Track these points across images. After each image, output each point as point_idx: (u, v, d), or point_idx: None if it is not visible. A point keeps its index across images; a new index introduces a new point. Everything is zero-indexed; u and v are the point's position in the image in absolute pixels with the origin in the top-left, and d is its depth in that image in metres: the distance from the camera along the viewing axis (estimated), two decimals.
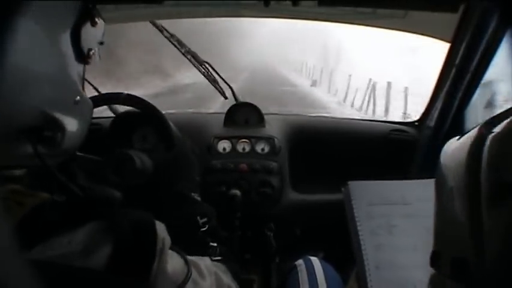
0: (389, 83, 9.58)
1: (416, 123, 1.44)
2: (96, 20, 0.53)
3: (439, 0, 0.68)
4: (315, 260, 0.89)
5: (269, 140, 1.37)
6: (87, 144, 0.60)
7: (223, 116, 1.45)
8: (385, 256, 0.73)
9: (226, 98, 1.49)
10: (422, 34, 1.24)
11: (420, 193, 0.77)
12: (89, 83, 1.09)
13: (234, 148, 1.36)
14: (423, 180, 0.77)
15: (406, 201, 0.79)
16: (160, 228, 0.52)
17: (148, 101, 0.98)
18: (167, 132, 0.98)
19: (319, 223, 1.40)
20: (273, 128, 1.43)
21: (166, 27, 1.36)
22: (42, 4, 0.44)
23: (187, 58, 1.40)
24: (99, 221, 0.50)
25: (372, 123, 1.59)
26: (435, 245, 0.44)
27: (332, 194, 1.27)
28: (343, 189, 0.83)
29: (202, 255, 0.67)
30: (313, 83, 14.97)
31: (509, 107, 0.41)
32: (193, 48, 1.40)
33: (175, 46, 1.37)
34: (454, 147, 0.41)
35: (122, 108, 1.13)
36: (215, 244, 0.78)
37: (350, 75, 12.58)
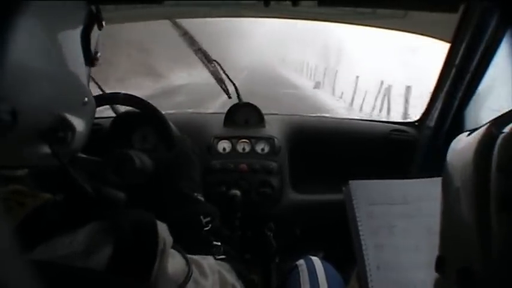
0: (408, 87, 8.43)
1: (416, 123, 1.45)
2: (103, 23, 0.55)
3: (439, 0, 0.68)
4: (316, 259, 0.89)
5: (269, 140, 1.37)
6: (87, 144, 0.60)
7: (223, 116, 1.45)
8: (386, 256, 0.72)
9: (230, 97, 1.49)
10: (422, 34, 1.24)
11: (421, 192, 0.76)
12: (96, 83, 1.09)
13: (234, 148, 1.36)
14: (424, 179, 0.77)
15: (408, 200, 0.78)
16: (162, 228, 0.52)
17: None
18: (167, 132, 0.98)
19: (319, 223, 1.40)
20: (273, 128, 1.43)
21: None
22: (55, 11, 0.47)
23: (198, 56, 1.40)
24: (100, 221, 0.50)
25: (372, 123, 1.59)
26: (440, 249, 0.43)
27: (332, 194, 1.27)
28: (344, 188, 0.83)
29: (206, 254, 0.67)
30: (316, 85, 14.06)
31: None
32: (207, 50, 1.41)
33: (188, 43, 1.37)
34: (463, 145, 0.40)
35: (122, 108, 1.13)
36: (219, 243, 0.78)
37: (357, 77, 11.44)
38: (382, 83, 10.06)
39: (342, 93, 11.93)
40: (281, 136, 1.40)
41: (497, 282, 0.34)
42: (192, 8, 1.36)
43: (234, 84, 1.49)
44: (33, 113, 0.45)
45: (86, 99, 0.54)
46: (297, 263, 0.90)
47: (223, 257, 0.75)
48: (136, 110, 1.06)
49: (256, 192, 1.29)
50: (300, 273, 0.85)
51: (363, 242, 0.74)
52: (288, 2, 0.67)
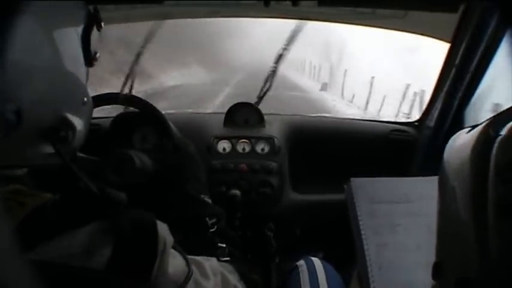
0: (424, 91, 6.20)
1: (416, 123, 1.44)
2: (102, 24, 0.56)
3: (439, 0, 0.68)
4: (316, 260, 0.89)
5: (269, 140, 1.37)
6: (87, 144, 0.60)
7: (223, 116, 1.45)
8: (388, 256, 0.72)
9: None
10: (422, 34, 1.24)
11: (424, 191, 0.75)
12: None
13: (234, 148, 1.36)
14: (427, 178, 0.75)
15: (409, 199, 0.77)
16: (162, 228, 0.52)
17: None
18: (167, 133, 0.98)
19: (319, 223, 1.40)
20: (273, 128, 1.43)
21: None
22: (55, 11, 0.48)
23: None
24: (100, 221, 0.50)
25: (372, 123, 1.59)
26: (437, 253, 0.43)
27: (332, 194, 1.27)
28: (345, 186, 0.82)
29: (211, 255, 0.67)
30: (323, 87, 12.39)
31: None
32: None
33: None
34: (461, 143, 0.40)
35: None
36: (223, 245, 0.78)
37: (373, 77, 9.53)
38: (408, 86, 8.40)
39: (353, 96, 10.17)
40: (281, 136, 1.40)
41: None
42: (192, 8, 1.36)
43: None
44: (36, 112, 0.46)
45: (85, 99, 0.55)
46: (297, 263, 0.90)
47: (227, 258, 0.75)
48: (136, 110, 1.06)
49: (256, 192, 1.29)
50: (300, 274, 0.85)
51: (364, 242, 0.74)
52: (288, 2, 0.67)
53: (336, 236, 1.09)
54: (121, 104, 1.08)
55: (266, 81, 1.49)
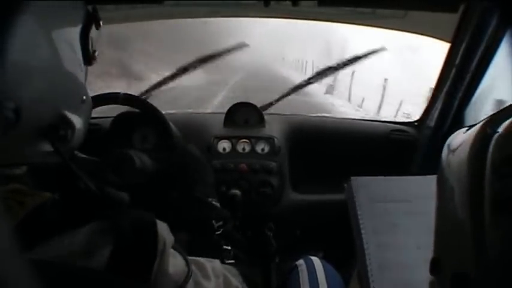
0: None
1: (416, 123, 1.44)
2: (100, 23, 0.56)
3: (439, 0, 0.68)
4: (315, 259, 0.89)
5: (269, 140, 1.37)
6: (87, 144, 0.60)
7: (223, 116, 1.45)
8: (388, 256, 0.71)
9: None
10: (422, 34, 1.24)
11: (425, 190, 0.74)
12: None
13: (234, 148, 1.36)
14: (427, 177, 0.75)
15: (410, 198, 0.77)
16: (162, 227, 0.52)
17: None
18: (167, 133, 0.98)
19: (319, 223, 1.40)
20: (273, 128, 1.43)
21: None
22: (54, 10, 0.48)
23: None
24: (100, 221, 0.50)
25: (373, 123, 1.59)
26: (435, 250, 0.43)
27: (332, 194, 1.27)
28: (345, 185, 0.82)
29: (216, 258, 0.67)
30: (329, 90, 10.76)
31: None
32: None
33: None
34: (459, 142, 0.40)
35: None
36: (229, 247, 0.79)
37: (386, 79, 8.05)
38: (431, 90, 7.37)
39: (363, 99, 8.81)
40: (281, 136, 1.40)
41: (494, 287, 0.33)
42: (192, 8, 1.36)
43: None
44: (35, 111, 0.46)
45: (84, 97, 0.55)
46: (297, 263, 0.90)
47: (232, 261, 0.75)
48: (136, 110, 1.06)
49: (256, 192, 1.29)
50: (300, 274, 0.85)
51: (364, 241, 0.73)
52: (288, 2, 0.67)
53: (336, 235, 1.09)
54: (121, 104, 1.08)
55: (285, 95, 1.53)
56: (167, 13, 1.36)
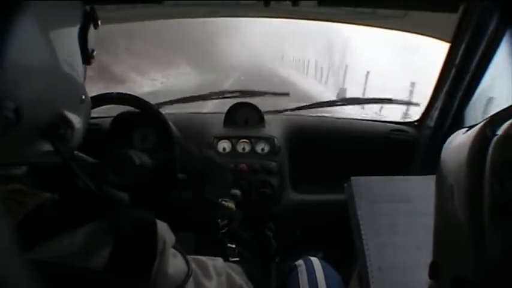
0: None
1: (416, 123, 1.44)
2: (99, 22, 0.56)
3: (439, 0, 0.67)
4: (315, 260, 0.89)
5: (269, 140, 1.37)
6: (87, 144, 0.60)
7: (223, 116, 1.45)
8: (388, 256, 0.71)
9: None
10: (422, 34, 1.24)
11: (424, 190, 0.74)
12: None
13: (234, 148, 1.36)
14: (427, 177, 0.75)
15: (410, 198, 0.77)
16: (162, 227, 0.52)
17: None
18: (167, 133, 0.98)
19: (319, 223, 1.40)
20: (272, 128, 1.43)
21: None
22: (53, 10, 0.48)
23: None
24: (99, 221, 0.50)
25: (372, 123, 1.59)
26: (434, 254, 0.43)
27: (332, 194, 1.27)
28: (345, 185, 0.82)
29: (221, 256, 0.67)
30: (341, 93, 9.96)
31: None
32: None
33: None
34: (458, 143, 0.40)
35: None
36: (233, 246, 0.79)
37: (413, 83, 7.46)
38: None
39: (381, 108, 7.64)
40: (281, 136, 1.40)
41: None
42: (192, 8, 1.36)
43: None
44: (35, 110, 0.46)
45: (83, 96, 0.55)
46: (296, 263, 0.90)
47: (236, 259, 0.75)
48: (136, 110, 1.06)
49: (256, 192, 1.29)
50: (299, 274, 0.85)
51: (364, 242, 0.73)
52: (288, 2, 0.67)
53: (335, 236, 1.09)
54: (120, 104, 1.08)
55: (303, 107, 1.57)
56: (167, 13, 1.36)
